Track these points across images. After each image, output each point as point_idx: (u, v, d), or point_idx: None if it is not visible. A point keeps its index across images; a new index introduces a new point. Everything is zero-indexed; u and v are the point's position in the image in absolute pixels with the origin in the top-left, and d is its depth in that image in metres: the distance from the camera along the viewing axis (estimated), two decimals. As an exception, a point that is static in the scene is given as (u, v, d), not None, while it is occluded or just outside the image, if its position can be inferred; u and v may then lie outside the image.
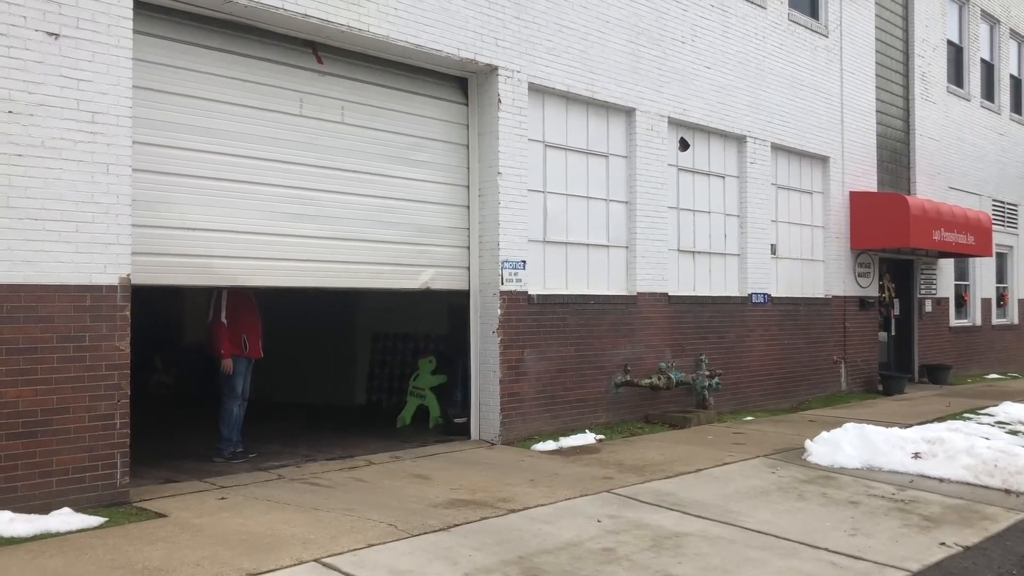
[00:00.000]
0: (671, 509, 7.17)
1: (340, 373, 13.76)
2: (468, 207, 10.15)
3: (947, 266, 19.54)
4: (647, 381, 11.35)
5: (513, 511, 6.89)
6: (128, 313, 7.08)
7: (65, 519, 6.34)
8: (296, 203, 8.65)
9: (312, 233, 8.75)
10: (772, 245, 14.36)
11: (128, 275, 7.08)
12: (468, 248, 10.15)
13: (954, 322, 19.93)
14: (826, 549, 6.22)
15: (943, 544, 6.43)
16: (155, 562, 5.50)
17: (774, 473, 8.71)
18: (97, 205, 6.90)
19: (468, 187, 10.16)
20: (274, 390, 13.88)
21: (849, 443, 9.29)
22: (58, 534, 6.12)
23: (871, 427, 9.58)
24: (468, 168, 10.16)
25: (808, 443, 9.54)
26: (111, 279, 6.96)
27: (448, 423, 10.71)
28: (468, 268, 10.16)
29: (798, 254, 15.14)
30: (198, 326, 15.49)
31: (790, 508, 7.40)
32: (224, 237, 8.07)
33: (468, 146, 10.18)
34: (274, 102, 8.52)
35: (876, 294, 17.00)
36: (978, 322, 20.86)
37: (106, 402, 6.91)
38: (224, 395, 9.23)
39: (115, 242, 6.99)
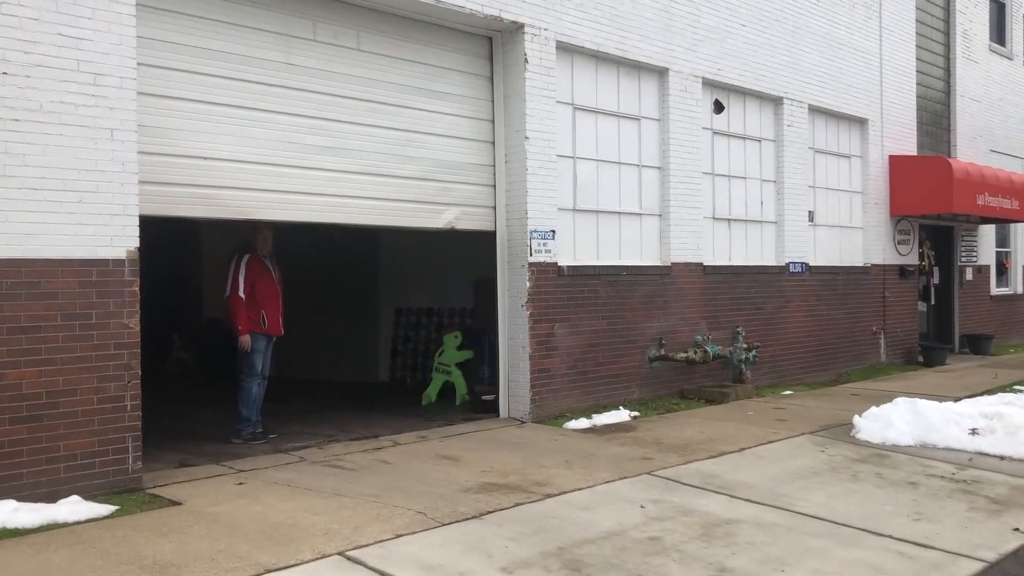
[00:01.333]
0: (718, 492, 6.69)
1: (363, 349, 13.35)
2: (493, 143, 9.62)
3: (988, 233, 18.83)
4: (682, 355, 10.85)
5: (549, 496, 6.44)
6: (137, 288, 6.65)
7: (73, 508, 5.95)
8: (313, 134, 8.16)
9: (330, 166, 8.27)
10: (810, 212, 13.76)
11: (136, 248, 6.65)
12: (494, 187, 9.63)
13: (995, 290, 19.24)
14: (891, 536, 5.73)
15: (1017, 530, 5.92)
16: (166, 556, 5.10)
17: (823, 452, 8.21)
18: (101, 173, 6.45)
19: (493, 122, 9.62)
20: (295, 367, 13.51)
21: (901, 419, 8.77)
22: (65, 524, 5.74)
23: (924, 402, 9.04)
24: (492, 102, 9.63)
25: (857, 419, 9.02)
26: (118, 252, 6.53)
27: (475, 400, 10.27)
28: (494, 208, 9.64)
29: (836, 221, 14.52)
30: (218, 301, 15.13)
31: (845, 490, 6.90)
32: (237, 168, 7.59)
33: (492, 79, 9.64)
34: (285, 25, 7.99)
35: (916, 262, 16.37)
36: (1019, 290, 20.16)
37: (115, 383, 6.51)
38: (243, 373, 8.82)
39: (121, 213, 6.55)
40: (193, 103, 7.33)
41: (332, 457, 7.76)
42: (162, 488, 6.64)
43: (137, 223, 6.65)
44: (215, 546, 5.27)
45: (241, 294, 8.63)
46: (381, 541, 5.37)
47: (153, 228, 14.09)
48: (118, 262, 6.53)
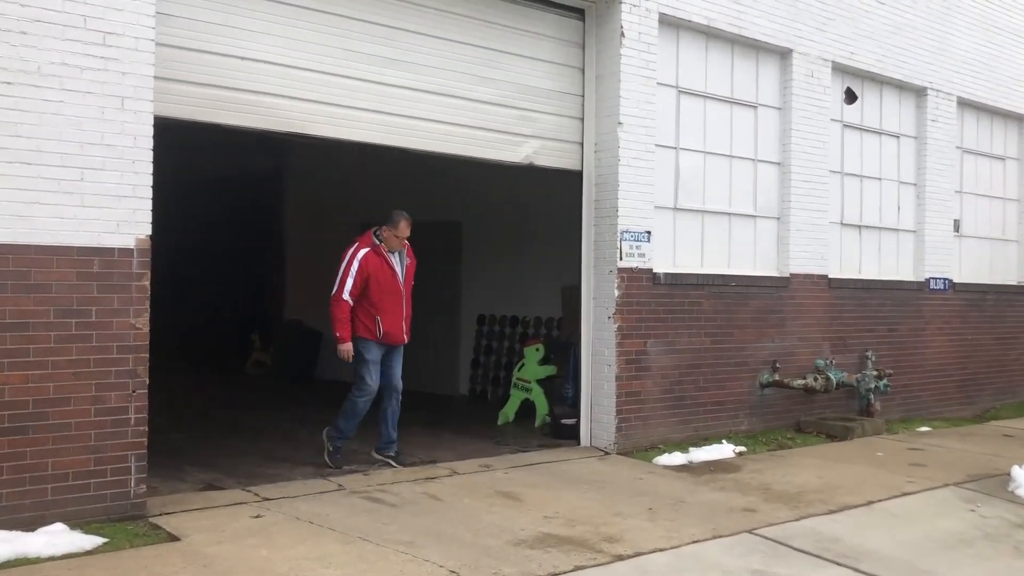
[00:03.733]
0: (838, 564, 5.27)
1: (442, 359, 12.28)
2: (583, 70, 8.39)
3: None
4: (800, 382, 9.33)
5: (620, 558, 5.15)
6: (147, 283, 5.72)
7: (51, 539, 5.04)
8: (374, 42, 7.05)
9: (394, 81, 7.16)
10: (955, 221, 11.94)
11: (148, 236, 5.73)
12: (582, 120, 8.37)
13: None
14: (1080, 648, 4.21)
15: None
16: (124, 617, 4.09)
17: (974, 511, 6.63)
18: (108, 148, 5.55)
19: (583, 48, 8.40)
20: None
21: (1076, 474, 7.08)
22: (37, 560, 4.84)
23: (1105, 454, 7.31)
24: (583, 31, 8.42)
25: (1016, 470, 7.37)
26: (126, 240, 5.62)
27: (555, 424, 9.04)
28: (581, 144, 8.38)
29: (986, 232, 12.62)
30: (299, 302, 14.44)
31: (1008, 568, 5.38)
32: (282, 72, 6.55)
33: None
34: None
35: (1081, 282, 14.19)
36: None
37: (117, 392, 5.59)
38: (353, 385, 7.37)
39: (131, 194, 5.64)
40: (230, -8, 6.31)
41: (375, 487, 6.67)
42: (168, 517, 5.69)
43: (150, 207, 5.73)
44: (189, 606, 4.24)
45: (346, 296, 7.15)
46: (393, 613, 4.22)
47: (236, 221, 13.16)
48: (125, 251, 5.62)
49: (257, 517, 5.76)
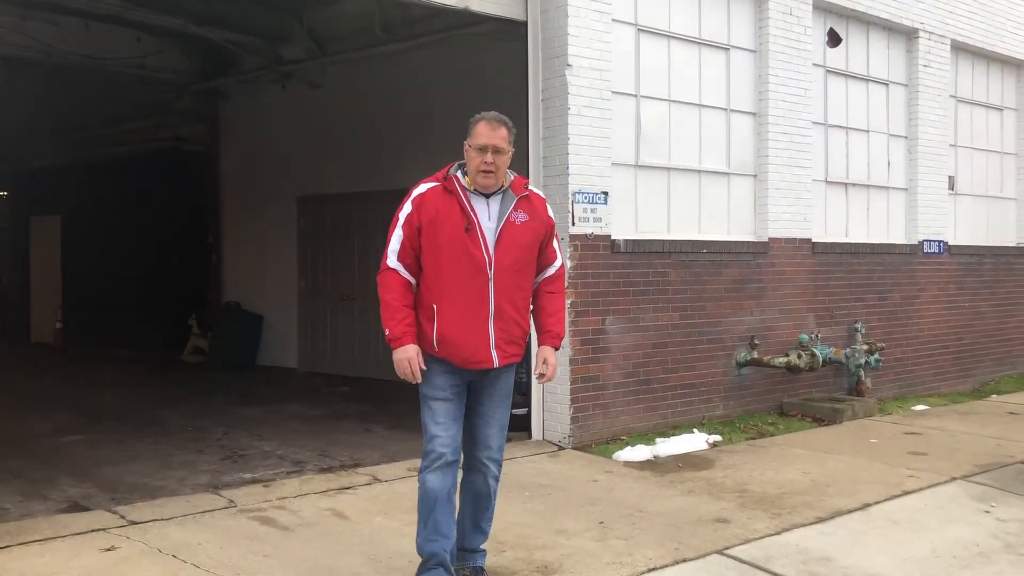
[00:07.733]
0: (831, 596, 4.20)
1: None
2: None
3: None
4: (782, 360, 8.26)
5: (553, 598, 4.07)
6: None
7: None
8: None
9: None
10: (950, 177, 10.87)
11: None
12: None
13: None
14: None
15: None
16: None
17: (988, 512, 5.58)
18: (-102, 91, 4.37)
19: None
20: (331, 361, 11.61)
21: (1105, 464, 6.04)
22: None
23: None
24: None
25: (1033, 460, 6.33)
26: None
27: (506, 414, 7.95)
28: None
29: (983, 190, 11.57)
30: (237, 281, 13.27)
31: (1039, 594, 4.31)
32: None
33: None
34: None
35: (1084, 242, 13.20)
36: None
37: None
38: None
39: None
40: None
41: (274, 502, 5.55)
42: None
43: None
44: None
45: (392, 263, 4.02)
46: None
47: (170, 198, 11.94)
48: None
49: (109, 550, 4.63)
